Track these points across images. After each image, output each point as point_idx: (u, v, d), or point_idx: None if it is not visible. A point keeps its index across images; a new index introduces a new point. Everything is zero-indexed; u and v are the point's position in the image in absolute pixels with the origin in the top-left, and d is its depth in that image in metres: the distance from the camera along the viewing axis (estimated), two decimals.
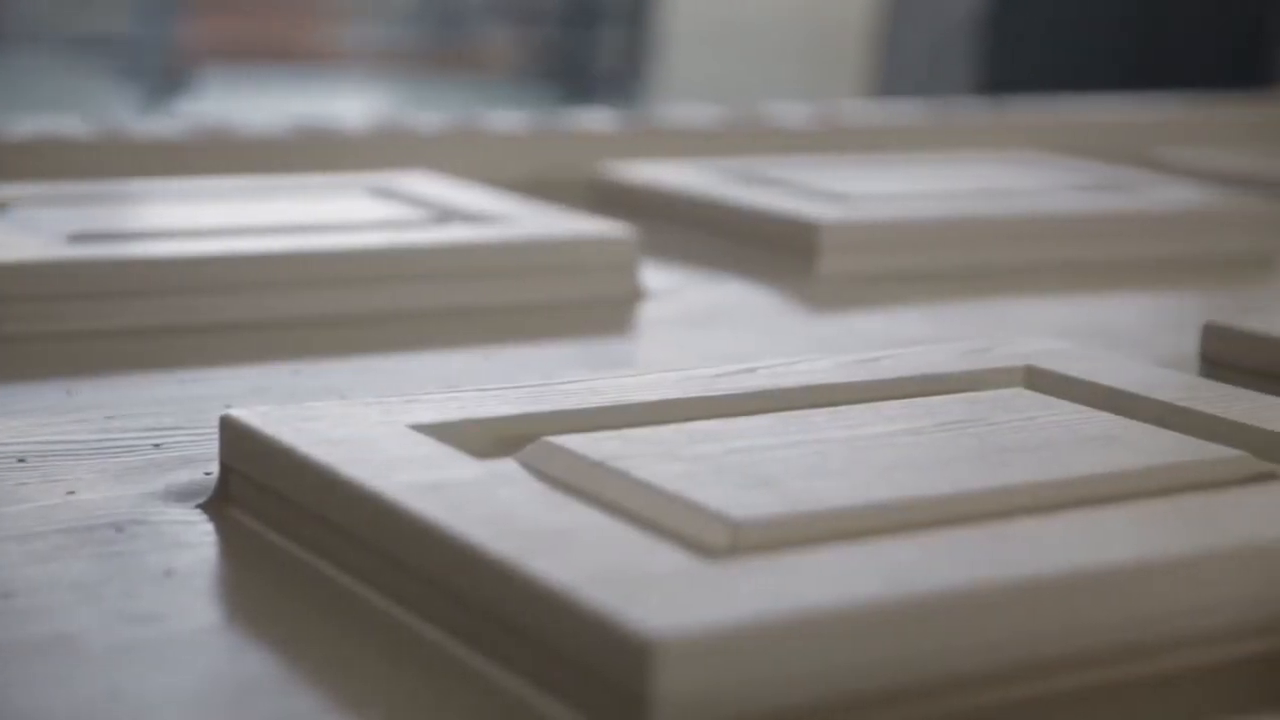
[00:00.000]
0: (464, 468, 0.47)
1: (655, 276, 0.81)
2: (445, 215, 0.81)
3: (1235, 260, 0.91)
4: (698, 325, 0.75)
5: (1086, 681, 0.41)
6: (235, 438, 0.50)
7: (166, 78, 3.85)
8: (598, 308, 0.76)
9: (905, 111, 1.20)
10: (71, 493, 0.51)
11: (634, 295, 0.78)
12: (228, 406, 0.53)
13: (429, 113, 1.07)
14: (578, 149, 1.03)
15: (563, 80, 3.96)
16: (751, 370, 0.57)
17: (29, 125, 0.95)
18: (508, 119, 1.04)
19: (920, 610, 0.40)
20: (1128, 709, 0.41)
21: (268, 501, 0.49)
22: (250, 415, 0.50)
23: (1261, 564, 0.44)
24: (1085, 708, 0.41)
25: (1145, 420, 0.54)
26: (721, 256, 0.86)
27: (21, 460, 0.53)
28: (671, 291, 0.80)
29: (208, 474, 0.52)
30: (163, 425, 0.57)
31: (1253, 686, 0.42)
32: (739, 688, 0.38)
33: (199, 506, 0.50)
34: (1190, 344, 0.69)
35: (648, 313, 0.77)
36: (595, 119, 1.07)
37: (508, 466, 0.49)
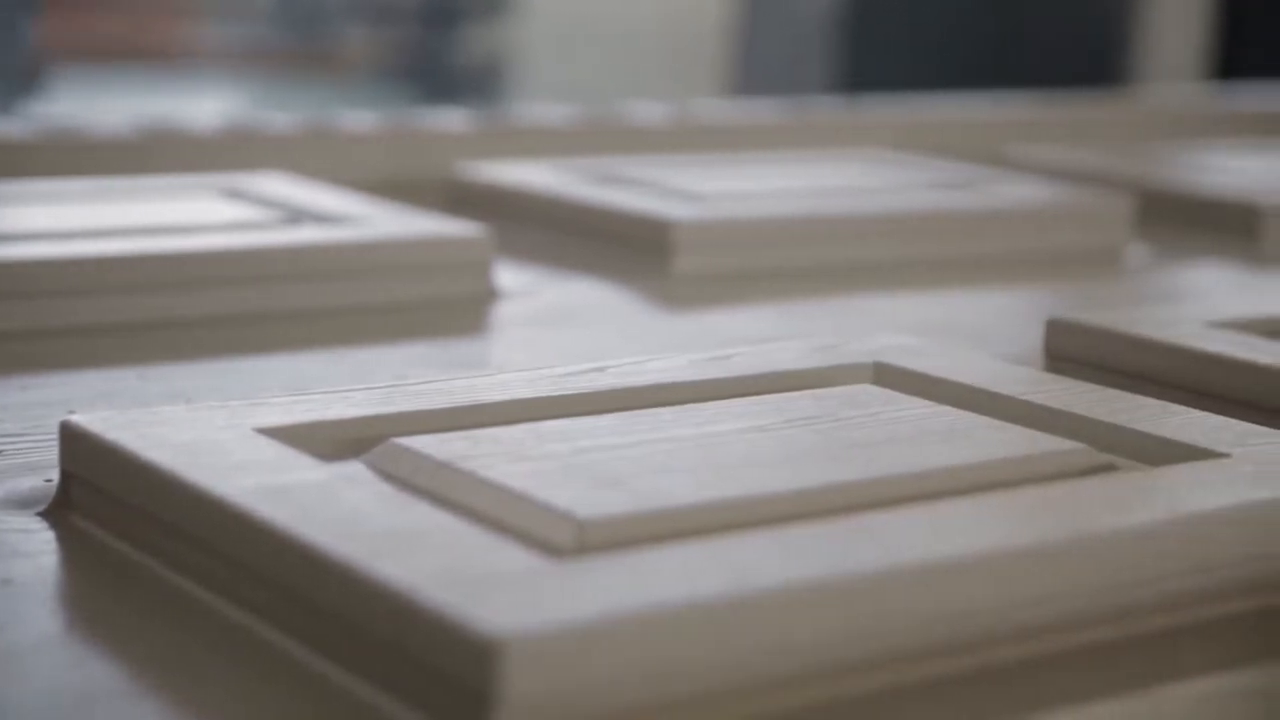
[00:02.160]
0: (310, 470, 0.46)
1: (510, 276, 0.81)
2: (296, 216, 0.81)
3: (1084, 256, 0.93)
4: (552, 325, 0.75)
5: (932, 673, 0.42)
6: (76, 443, 0.50)
7: (21, 78, 3.79)
8: (451, 308, 0.76)
9: (761, 111, 1.21)
10: None
11: (488, 295, 0.78)
12: (71, 412, 0.52)
13: (282, 113, 1.06)
14: (432, 149, 1.03)
15: (423, 80, 3.94)
16: (602, 369, 0.57)
17: None
18: (361, 119, 1.03)
19: (765, 606, 0.40)
20: (971, 700, 0.41)
21: (110, 508, 0.48)
22: (91, 420, 0.50)
23: (1098, 554, 0.44)
24: (931, 699, 0.41)
25: (989, 414, 0.55)
26: (576, 256, 0.86)
27: None
28: (526, 291, 0.79)
29: (48, 481, 0.51)
30: (3, 432, 0.56)
31: (1089, 675, 0.43)
32: (585, 686, 0.38)
33: (39, 514, 0.50)
34: (1037, 339, 0.70)
35: (501, 313, 0.76)
36: (450, 119, 1.06)
37: (354, 469, 0.48)
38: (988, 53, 2.83)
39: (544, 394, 0.55)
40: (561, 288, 0.81)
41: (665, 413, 0.54)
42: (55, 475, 0.51)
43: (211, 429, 0.49)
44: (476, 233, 0.79)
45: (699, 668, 0.39)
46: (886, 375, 0.59)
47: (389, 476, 0.48)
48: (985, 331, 0.76)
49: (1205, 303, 0.79)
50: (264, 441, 0.48)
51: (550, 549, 0.43)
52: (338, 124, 1.02)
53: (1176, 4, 2.84)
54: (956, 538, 0.43)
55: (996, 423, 0.53)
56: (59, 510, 0.50)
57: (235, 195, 0.84)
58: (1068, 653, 0.44)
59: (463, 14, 3.92)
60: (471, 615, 0.38)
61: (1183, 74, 2.78)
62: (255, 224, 0.79)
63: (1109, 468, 0.51)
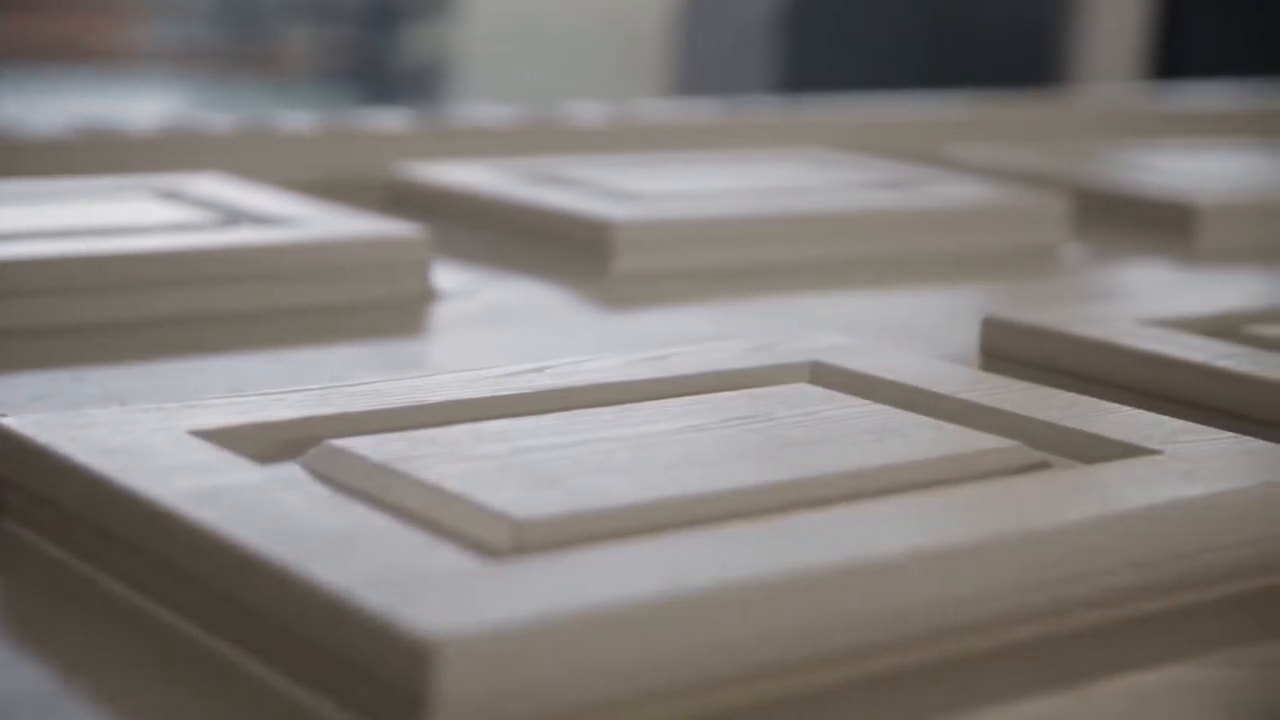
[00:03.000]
0: (244, 473, 0.46)
1: (449, 277, 0.81)
2: (233, 217, 0.80)
3: (1020, 255, 0.93)
4: (490, 325, 0.75)
5: (868, 671, 0.42)
6: (8, 447, 0.49)
7: None
8: (389, 309, 0.76)
9: (701, 111, 1.21)
10: None
11: (426, 296, 0.78)
12: (3, 415, 0.51)
13: (221, 114, 1.06)
14: (371, 149, 1.02)
15: (365, 81, 3.92)
16: (540, 370, 0.57)
17: None
18: (300, 120, 1.03)
19: (701, 605, 0.40)
20: (907, 698, 0.42)
21: (42, 512, 0.48)
22: (23, 424, 0.49)
23: (1032, 551, 0.45)
24: (867, 697, 0.41)
25: (925, 413, 0.55)
26: (516, 256, 0.86)
27: None
28: (465, 292, 0.79)
29: None
30: None
31: (1023, 672, 0.43)
32: (521, 687, 0.38)
33: None
34: (973, 338, 0.71)
35: (440, 313, 0.76)
36: (389, 119, 1.06)
37: (290, 470, 0.48)
38: (927, 53, 2.85)
39: (482, 395, 0.54)
40: (500, 288, 0.81)
41: (603, 413, 0.54)
42: None
43: (145, 431, 0.49)
44: (415, 233, 0.78)
45: (635, 668, 0.39)
46: (823, 375, 0.59)
47: (325, 478, 0.47)
48: (922, 330, 0.77)
49: (1140, 301, 0.80)
50: (198, 444, 0.48)
51: (487, 550, 0.43)
52: (275, 125, 1.02)
53: (1115, 4, 2.86)
54: (891, 536, 0.44)
55: (932, 421, 0.54)
56: None
57: (171, 196, 0.84)
58: (1002, 649, 0.44)
59: (404, 14, 3.91)
60: (406, 617, 0.38)
61: (1121, 74, 2.80)
62: (191, 225, 0.79)
63: (1043, 465, 0.52)
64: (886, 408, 0.55)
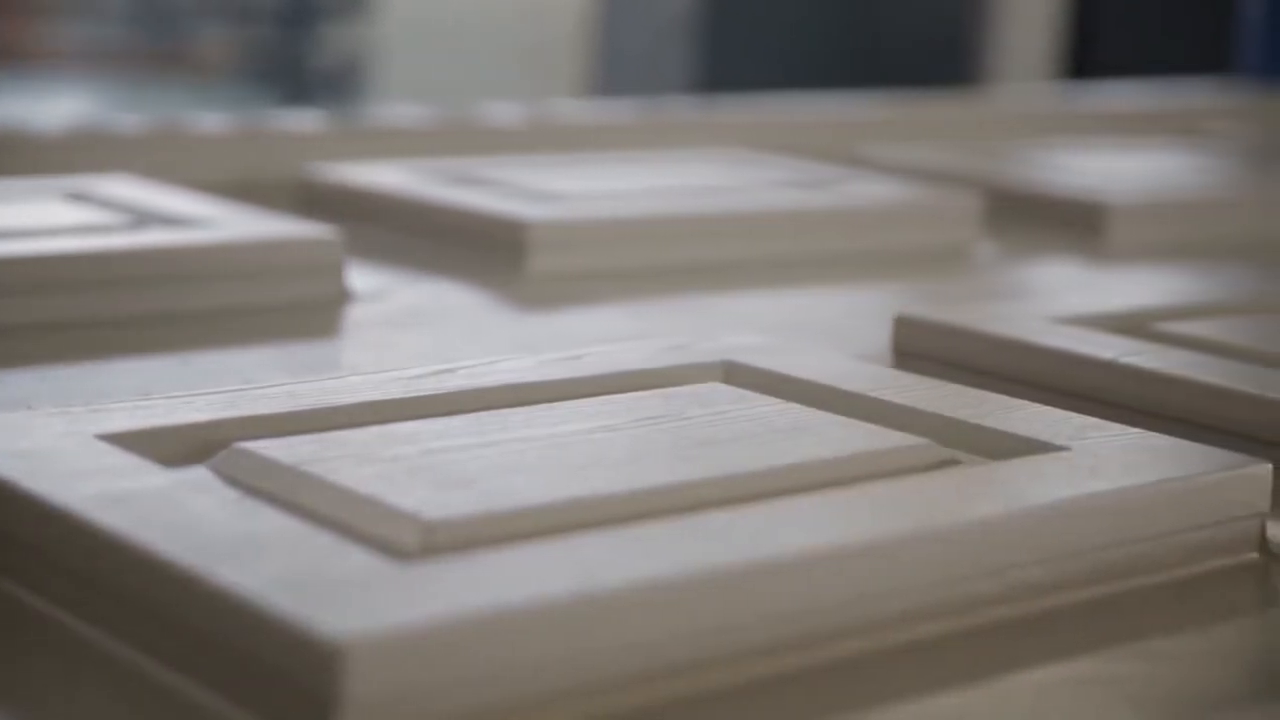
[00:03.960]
0: (152, 477, 0.46)
1: (362, 278, 0.80)
2: (143, 219, 0.80)
3: (933, 254, 0.94)
4: (404, 327, 0.74)
5: (777, 669, 0.42)
6: None
7: None
8: (302, 311, 0.75)
9: (617, 111, 1.21)
10: None
11: (340, 298, 0.77)
12: None
13: (133, 114, 1.05)
14: (284, 150, 1.02)
15: (281, 81, 3.90)
16: (452, 370, 0.57)
17: None
18: (212, 120, 1.02)
19: (611, 605, 0.40)
20: (816, 695, 0.42)
21: None
22: None
23: (940, 548, 0.45)
24: (776, 695, 0.41)
25: (837, 411, 0.55)
26: (430, 257, 0.86)
27: None
28: (379, 293, 0.79)
29: None
30: None
31: (932, 668, 0.43)
32: (430, 689, 0.38)
33: None
34: (886, 336, 0.71)
35: (354, 315, 0.76)
36: (303, 120, 1.06)
37: (199, 474, 0.48)
38: (844, 53, 2.86)
39: (393, 396, 0.54)
40: (415, 289, 0.81)
41: (515, 413, 0.54)
42: None
43: (51, 436, 0.48)
44: (328, 235, 0.78)
45: (544, 668, 0.39)
46: (736, 374, 0.59)
47: (234, 481, 0.47)
48: (836, 329, 0.77)
49: (1051, 299, 0.81)
50: (106, 448, 0.48)
51: (397, 551, 0.43)
52: (187, 125, 1.01)
53: (1029, 5, 2.89)
54: (801, 534, 0.44)
55: (843, 419, 0.54)
56: None
57: (80, 198, 0.83)
58: (911, 645, 0.44)
59: (321, 14, 3.89)
60: (314, 619, 0.38)
61: (1035, 74, 2.83)
62: (100, 227, 0.78)
63: (952, 463, 0.52)
64: (798, 406, 0.55)
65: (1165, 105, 1.47)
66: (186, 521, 0.43)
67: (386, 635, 0.37)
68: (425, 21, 3.38)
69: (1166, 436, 0.53)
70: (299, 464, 0.47)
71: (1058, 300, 0.74)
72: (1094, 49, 2.88)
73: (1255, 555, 0.51)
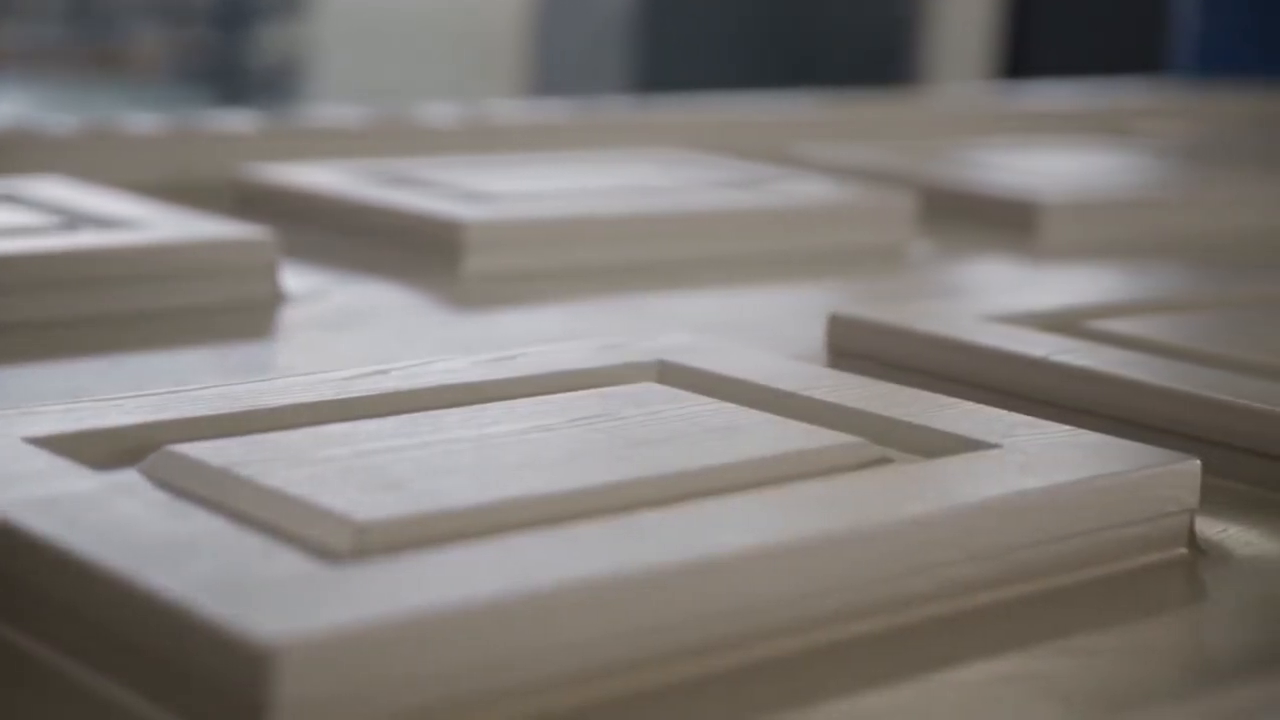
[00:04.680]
0: (81, 480, 0.46)
1: (297, 280, 0.80)
2: (75, 221, 0.79)
3: (868, 253, 0.94)
4: (339, 328, 0.74)
5: (711, 668, 0.42)
6: None
7: None
8: (236, 312, 0.75)
9: (554, 111, 1.21)
10: None
11: (274, 299, 0.77)
12: None
13: (67, 115, 1.04)
14: (219, 151, 1.01)
15: (218, 81, 3.88)
16: (385, 371, 0.57)
17: None
18: (145, 121, 1.02)
19: (542, 606, 0.40)
20: (749, 694, 0.42)
21: None
22: None
23: (872, 546, 0.45)
24: (710, 694, 0.42)
25: (770, 410, 0.55)
26: (365, 258, 0.86)
27: None
28: (313, 294, 0.79)
29: None
30: None
31: (865, 665, 0.43)
32: (361, 692, 0.38)
33: None
34: (820, 335, 0.71)
35: (288, 317, 0.76)
36: (236, 120, 1.05)
37: (128, 477, 0.47)
38: (781, 53, 2.87)
39: (326, 397, 0.54)
40: (350, 290, 0.80)
41: (449, 414, 0.54)
42: None
43: None
44: (262, 236, 0.78)
45: (477, 669, 0.39)
46: (670, 374, 0.59)
47: (164, 484, 0.47)
48: (771, 328, 0.77)
49: (983, 297, 0.81)
50: (33, 451, 0.47)
51: (328, 553, 0.43)
52: (120, 126, 1.00)
53: (964, 4, 2.90)
54: (733, 533, 0.44)
55: (776, 419, 0.54)
56: None
57: (10, 200, 0.82)
58: (844, 643, 0.44)
59: (257, 14, 3.87)
60: (243, 623, 0.37)
61: (970, 73, 2.84)
62: (30, 229, 0.77)
63: (885, 461, 0.52)
64: (732, 406, 0.55)
65: (1098, 105, 1.48)
66: (115, 525, 0.43)
67: (318, 638, 0.37)
68: (362, 22, 3.37)
69: (1097, 434, 0.54)
70: (230, 466, 0.47)
71: (991, 299, 0.75)
72: (1028, 49, 2.90)
73: (1184, 551, 0.52)
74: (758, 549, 0.44)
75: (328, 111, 1.12)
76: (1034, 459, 0.51)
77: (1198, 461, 0.52)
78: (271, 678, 0.36)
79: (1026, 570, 0.48)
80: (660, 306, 0.81)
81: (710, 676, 0.42)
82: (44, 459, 0.47)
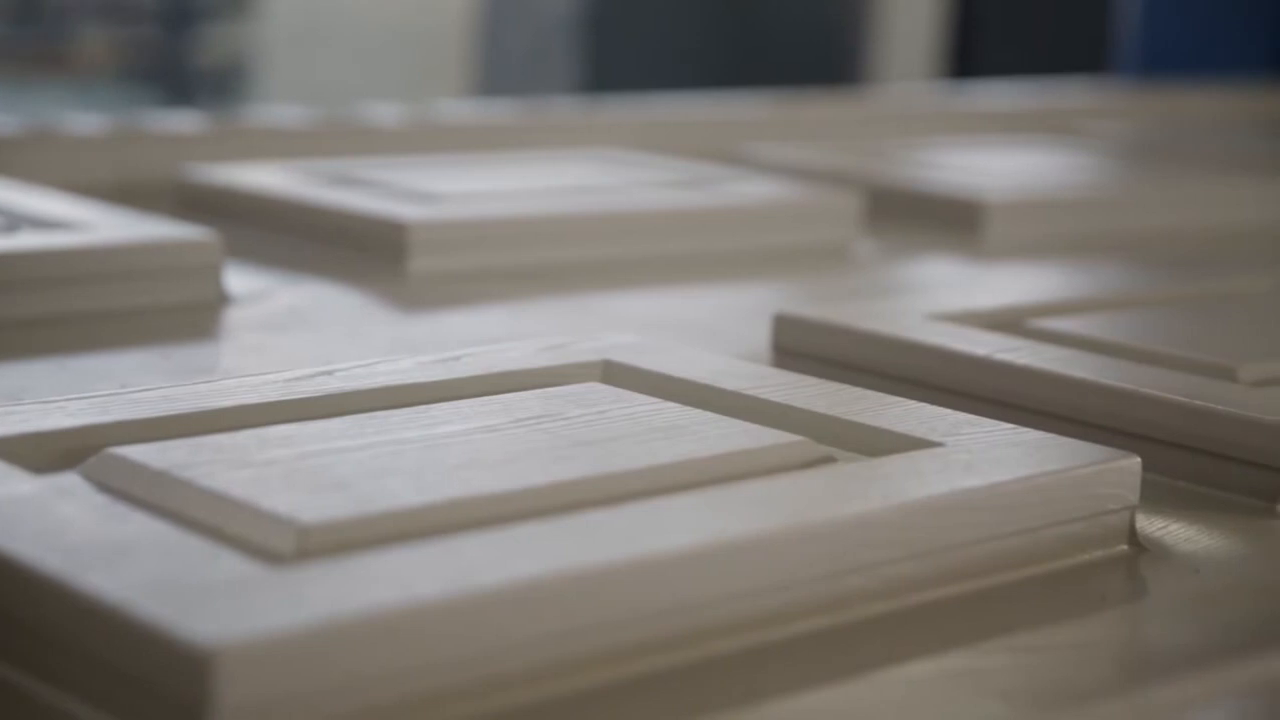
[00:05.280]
0: (21, 483, 0.45)
1: (241, 281, 0.80)
2: (17, 222, 0.78)
3: (813, 252, 0.95)
4: (283, 329, 0.74)
5: (654, 667, 0.42)
6: None
7: None
8: (179, 314, 0.75)
9: (499, 112, 1.21)
10: None
11: (218, 300, 0.77)
12: None
13: (6, 115, 1.03)
14: (163, 152, 1.01)
15: (163, 81, 3.86)
16: (330, 373, 0.57)
17: None
18: (88, 121, 1.01)
19: (484, 606, 0.40)
20: (693, 693, 0.42)
21: None
22: None
23: (816, 544, 0.45)
24: (654, 693, 0.42)
25: (715, 410, 0.55)
26: (310, 259, 0.85)
27: None
28: (257, 295, 0.78)
29: None
30: None
31: (808, 664, 0.44)
32: (302, 694, 0.38)
33: None
34: (766, 334, 0.71)
35: (232, 318, 0.75)
36: (181, 121, 1.04)
37: (69, 480, 0.47)
38: (729, 53, 2.87)
39: (269, 399, 0.54)
40: (294, 291, 0.80)
41: (393, 415, 0.53)
42: None
43: None
44: (206, 237, 0.77)
45: (418, 670, 0.39)
46: (614, 373, 0.59)
47: (105, 487, 0.47)
48: (716, 328, 0.77)
49: (928, 296, 0.82)
50: None
51: (271, 556, 0.43)
52: (62, 127, 1.00)
53: (911, 5, 2.91)
54: (676, 533, 0.44)
55: (721, 418, 0.54)
56: None
57: None
58: (788, 642, 0.44)
59: (203, 13, 3.85)
60: (183, 625, 0.37)
61: (917, 73, 2.85)
62: None
63: (828, 460, 0.52)
64: (677, 405, 0.56)
65: (1043, 104, 1.49)
66: (55, 528, 0.42)
67: (258, 640, 0.37)
68: (309, 21, 3.36)
69: (1039, 431, 0.54)
70: (171, 469, 0.47)
71: (935, 297, 0.75)
72: (975, 50, 2.91)
73: (1125, 547, 0.52)
74: (701, 548, 0.44)
75: (273, 112, 1.11)
76: (977, 457, 0.51)
77: (1138, 459, 0.52)
78: (211, 681, 0.36)
79: (969, 568, 0.48)
80: (606, 306, 0.81)
81: (654, 675, 0.42)
82: None
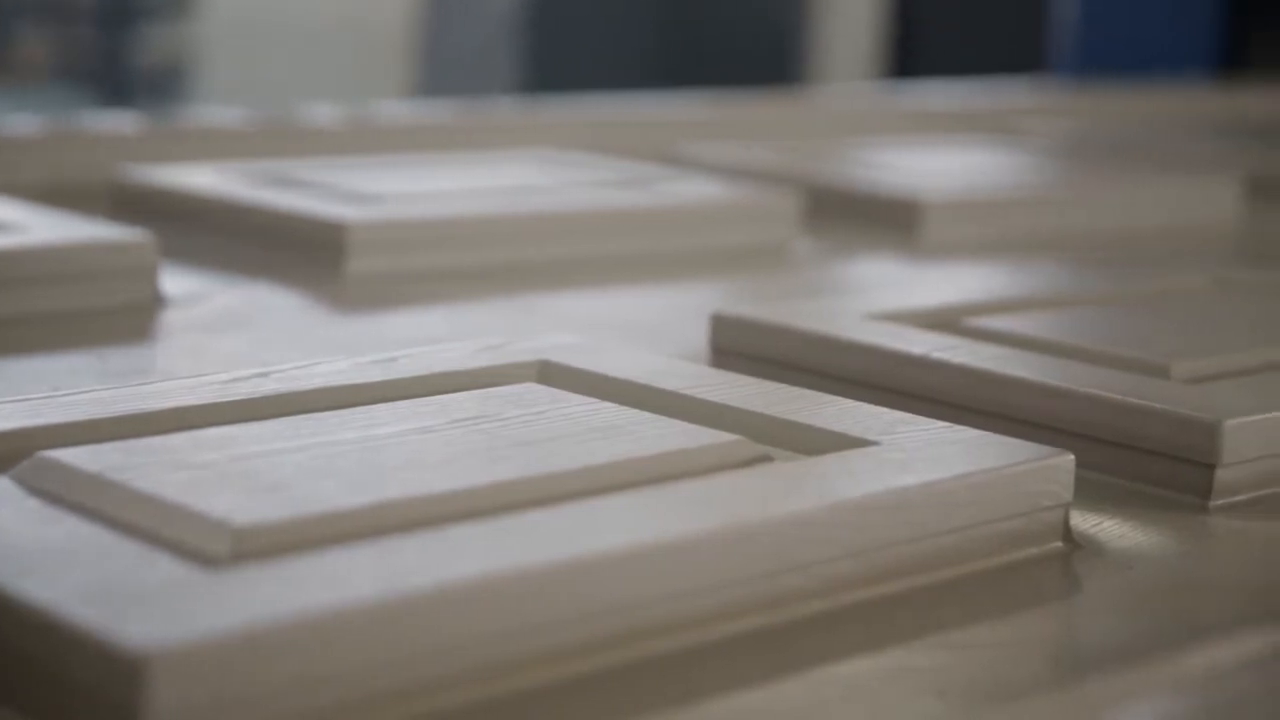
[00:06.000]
0: None
1: (177, 282, 0.79)
2: None
3: (752, 252, 0.95)
4: (219, 331, 0.73)
5: (591, 668, 0.42)
6: None
7: None
8: (114, 316, 0.74)
9: (439, 112, 1.21)
10: None
11: (153, 302, 0.76)
12: None
13: None
14: (98, 152, 1.00)
15: (101, 82, 3.83)
16: (266, 374, 0.56)
17: None
18: (22, 122, 1.00)
19: (419, 608, 0.40)
20: (631, 693, 0.42)
21: None
22: None
23: (752, 543, 0.46)
24: (590, 694, 0.42)
25: (652, 410, 0.55)
26: (248, 260, 0.85)
27: None
28: (194, 297, 0.78)
29: None
30: None
31: (747, 663, 0.44)
32: (237, 698, 0.37)
33: None
34: (704, 334, 0.72)
35: (167, 320, 0.75)
36: (117, 121, 1.04)
37: (0, 484, 0.47)
38: (669, 53, 2.87)
39: (205, 401, 0.54)
40: (231, 293, 0.80)
41: (329, 417, 0.53)
42: None
43: None
44: (140, 238, 0.77)
45: (353, 673, 0.39)
46: (552, 374, 0.59)
47: (37, 491, 0.46)
48: (655, 328, 0.77)
49: (866, 296, 0.82)
50: None
51: (206, 559, 0.43)
52: None
53: (852, 4, 2.92)
54: (612, 533, 0.44)
55: (658, 418, 0.54)
56: None
57: None
58: (726, 641, 0.44)
59: (141, 14, 3.82)
60: (116, 631, 0.37)
61: (858, 73, 2.86)
62: None
63: (765, 459, 0.53)
64: (614, 405, 0.56)
65: (981, 104, 1.50)
66: None
67: (192, 645, 0.37)
68: (249, 21, 3.34)
69: (974, 430, 0.54)
70: (104, 472, 0.46)
71: (873, 297, 0.76)
72: (914, 50, 2.92)
73: (1060, 544, 0.52)
74: (637, 548, 0.44)
75: (209, 112, 1.11)
76: (912, 456, 0.51)
77: (1071, 456, 0.53)
78: (145, 686, 0.36)
79: (904, 566, 0.49)
80: (545, 307, 0.81)
81: (592, 676, 0.42)
82: None
